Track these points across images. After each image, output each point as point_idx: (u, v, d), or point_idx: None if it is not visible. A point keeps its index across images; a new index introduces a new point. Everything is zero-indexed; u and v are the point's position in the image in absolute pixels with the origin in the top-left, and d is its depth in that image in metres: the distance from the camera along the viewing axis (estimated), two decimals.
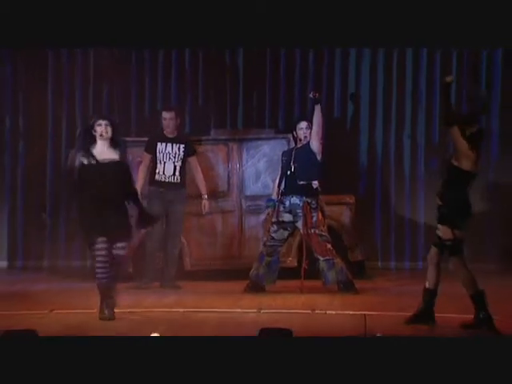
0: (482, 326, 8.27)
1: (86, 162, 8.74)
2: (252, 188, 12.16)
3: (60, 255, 13.71)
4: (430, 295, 8.78)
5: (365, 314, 9.06)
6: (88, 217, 8.79)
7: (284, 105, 13.68)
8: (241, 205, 12.14)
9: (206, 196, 11.32)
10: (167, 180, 11.10)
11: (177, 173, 11.13)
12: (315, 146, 10.70)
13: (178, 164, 11.12)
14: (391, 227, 13.63)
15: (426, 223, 13.47)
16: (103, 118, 8.99)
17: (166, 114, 11.30)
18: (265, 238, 10.99)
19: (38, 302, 10.23)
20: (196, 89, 13.74)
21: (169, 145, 11.18)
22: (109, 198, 8.72)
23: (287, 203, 10.77)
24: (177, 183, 11.12)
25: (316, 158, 10.74)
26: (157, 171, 11.13)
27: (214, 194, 12.02)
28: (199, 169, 11.31)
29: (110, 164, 8.82)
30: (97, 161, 8.77)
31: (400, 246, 13.58)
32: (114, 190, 8.77)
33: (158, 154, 11.16)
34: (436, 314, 9.20)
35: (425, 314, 8.67)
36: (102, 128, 8.82)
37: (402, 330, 8.24)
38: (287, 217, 10.79)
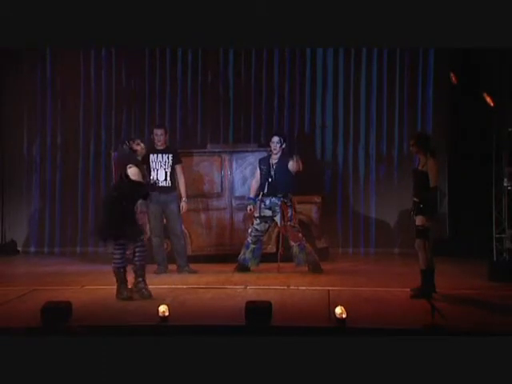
0: (423, 297, 8.34)
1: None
2: (240, 190, 12.13)
3: (89, 243, 13.70)
4: (425, 274, 8.79)
5: (328, 289, 9.11)
6: (108, 226, 8.79)
7: (265, 125, 13.68)
8: (231, 203, 12.13)
9: (185, 199, 10.82)
10: (161, 184, 10.58)
11: (168, 178, 10.70)
12: (293, 171, 10.74)
13: (169, 170, 10.72)
14: (349, 221, 13.60)
15: (376, 218, 13.55)
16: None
17: (157, 131, 10.90)
18: (249, 230, 11.03)
19: (72, 279, 10.23)
20: (196, 113, 13.73)
21: (159, 155, 10.71)
22: (124, 210, 8.66)
23: (268, 202, 10.81)
24: (169, 187, 10.65)
25: (292, 176, 10.79)
26: (151, 177, 10.57)
27: (211, 195, 12.05)
28: (183, 175, 10.85)
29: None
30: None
31: (356, 235, 13.55)
32: (129, 204, 8.73)
33: (151, 163, 10.69)
34: (384, 289, 9.32)
35: (424, 290, 8.63)
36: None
37: (357, 303, 8.25)
38: (268, 212, 10.83)
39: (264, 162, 10.99)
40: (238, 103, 13.76)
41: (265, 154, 11.41)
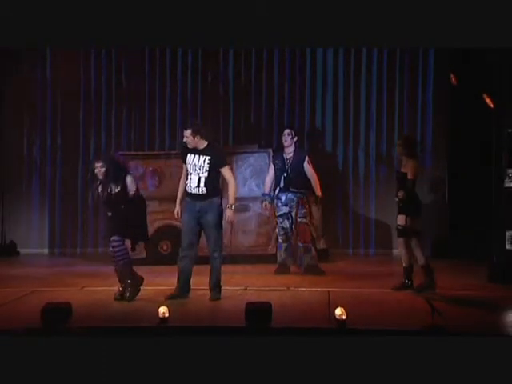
0: (427, 290, 8.46)
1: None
2: (240, 191, 12.06)
3: (89, 244, 13.71)
4: (407, 272, 9.07)
5: (328, 290, 9.11)
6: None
7: (265, 125, 13.69)
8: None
9: (231, 206, 9.14)
10: (193, 191, 8.91)
11: (201, 184, 8.89)
12: (307, 172, 10.84)
13: (204, 175, 8.88)
14: (349, 222, 13.58)
15: (376, 219, 13.53)
16: (97, 161, 8.96)
17: (184, 132, 9.09)
18: (277, 230, 11.01)
19: (72, 280, 10.24)
20: (196, 114, 13.71)
21: (196, 157, 8.91)
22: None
23: (284, 198, 10.78)
24: (202, 194, 8.90)
25: (306, 175, 10.84)
26: (187, 182, 9.01)
27: None
28: (232, 180, 9.18)
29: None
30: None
31: (356, 236, 13.54)
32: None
33: (188, 165, 9.03)
34: (384, 290, 9.32)
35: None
36: (97, 170, 8.84)
37: (357, 304, 8.25)
38: (285, 209, 10.79)
39: (278, 157, 10.98)
40: (237, 103, 13.77)
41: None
